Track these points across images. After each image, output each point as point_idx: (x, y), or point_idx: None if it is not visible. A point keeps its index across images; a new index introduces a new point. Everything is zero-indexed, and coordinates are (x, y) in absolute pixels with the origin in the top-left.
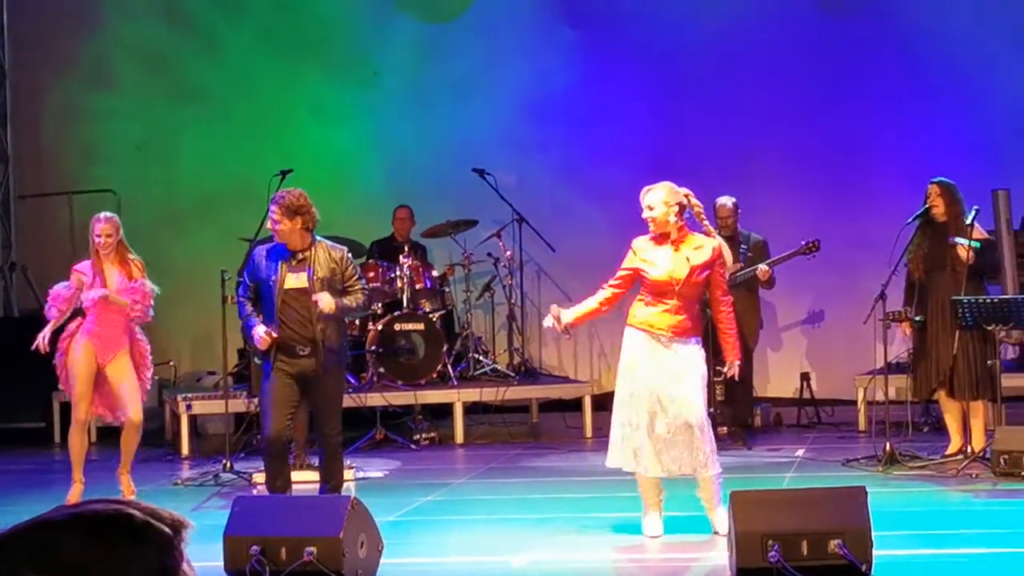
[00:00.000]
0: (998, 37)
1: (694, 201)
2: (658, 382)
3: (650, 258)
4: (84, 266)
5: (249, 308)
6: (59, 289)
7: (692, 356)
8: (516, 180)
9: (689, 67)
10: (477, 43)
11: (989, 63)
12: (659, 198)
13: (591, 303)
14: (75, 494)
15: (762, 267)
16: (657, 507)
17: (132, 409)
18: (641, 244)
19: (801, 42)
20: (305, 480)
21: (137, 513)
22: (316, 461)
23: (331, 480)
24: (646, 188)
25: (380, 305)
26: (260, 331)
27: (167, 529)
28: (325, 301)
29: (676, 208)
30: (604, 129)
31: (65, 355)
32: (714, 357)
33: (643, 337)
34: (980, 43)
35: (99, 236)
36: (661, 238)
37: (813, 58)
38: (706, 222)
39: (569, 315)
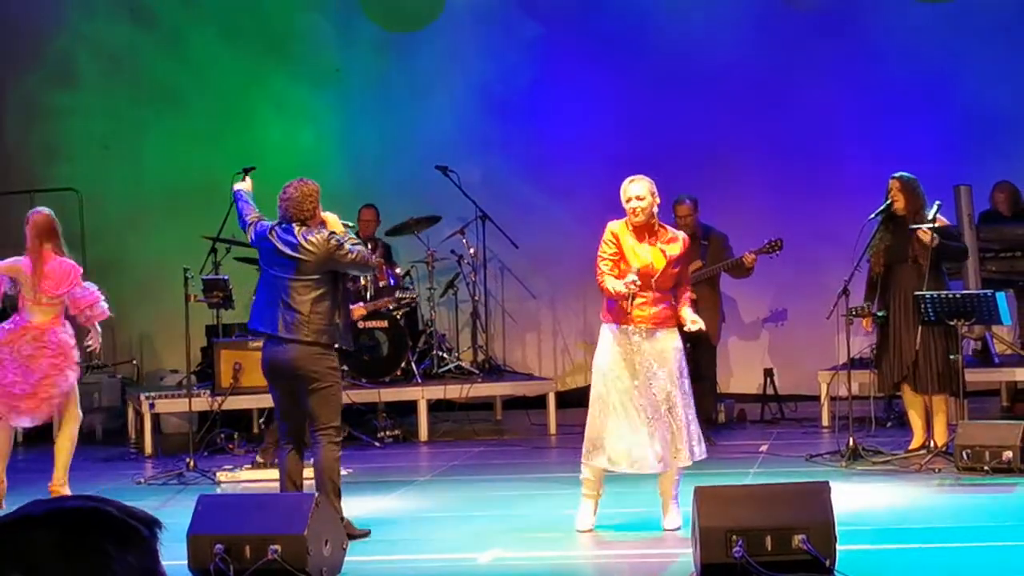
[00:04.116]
0: (961, 32)
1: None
2: (637, 375)
3: (632, 247)
4: (22, 262)
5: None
6: None
7: (671, 345)
8: (480, 177)
9: (653, 63)
10: (440, 40)
11: (952, 58)
12: (647, 188)
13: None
14: None
15: (749, 255)
16: (596, 500)
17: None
18: (620, 230)
19: (765, 37)
20: (275, 478)
21: (115, 512)
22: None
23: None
24: (630, 179)
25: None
26: None
27: (144, 529)
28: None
29: (657, 200)
30: (567, 125)
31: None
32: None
33: (619, 331)
34: (943, 38)
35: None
36: (641, 229)
37: (776, 53)
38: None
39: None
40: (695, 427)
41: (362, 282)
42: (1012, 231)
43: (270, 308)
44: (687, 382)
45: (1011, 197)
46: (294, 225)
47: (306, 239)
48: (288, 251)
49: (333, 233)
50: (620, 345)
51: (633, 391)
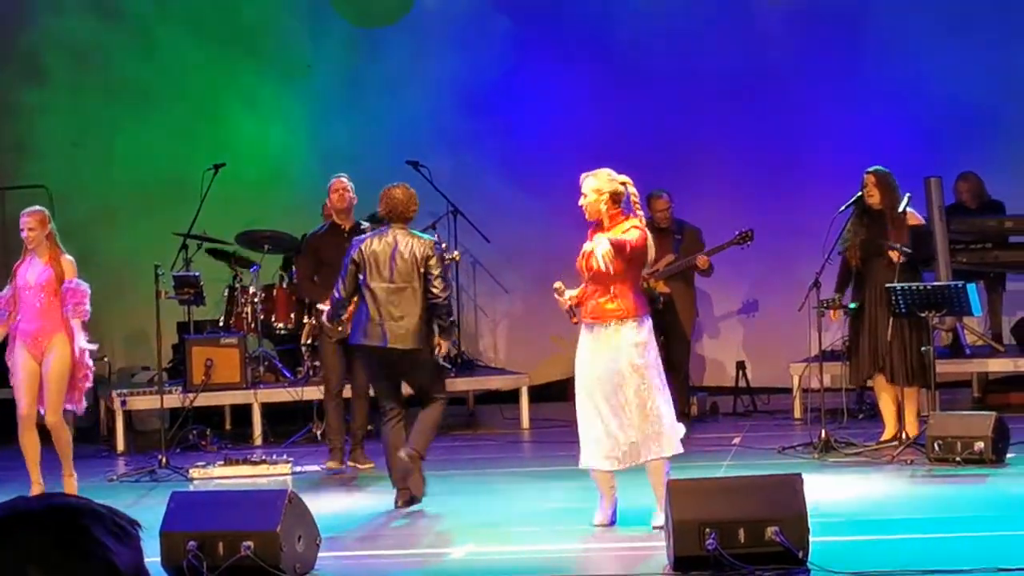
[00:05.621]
0: (931, 25)
1: (632, 190)
2: (593, 372)
3: (584, 245)
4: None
5: None
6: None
7: (620, 340)
8: (451, 172)
9: (625, 58)
10: (410, 35)
11: (922, 50)
12: (591, 186)
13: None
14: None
15: (700, 256)
16: (608, 496)
17: (46, 408)
18: (592, 231)
19: (737, 32)
20: (248, 474)
21: (103, 508)
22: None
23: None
24: (585, 174)
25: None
26: None
27: (129, 527)
28: None
29: (607, 196)
30: (539, 120)
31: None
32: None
33: (583, 329)
34: (914, 31)
35: (22, 230)
36: (597, 225)
37: (749, 48)
38: (639, 211)
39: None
40: (653, 423)
41: None
42: (982, 222)
43: (377, 324)
44: (648, 375)
45: (974, 188)
46: (395, 226)
47: (407, 241)
48: (387, 251)
49: (438, 243)
50: (584, 342)
51: (594, 387)
